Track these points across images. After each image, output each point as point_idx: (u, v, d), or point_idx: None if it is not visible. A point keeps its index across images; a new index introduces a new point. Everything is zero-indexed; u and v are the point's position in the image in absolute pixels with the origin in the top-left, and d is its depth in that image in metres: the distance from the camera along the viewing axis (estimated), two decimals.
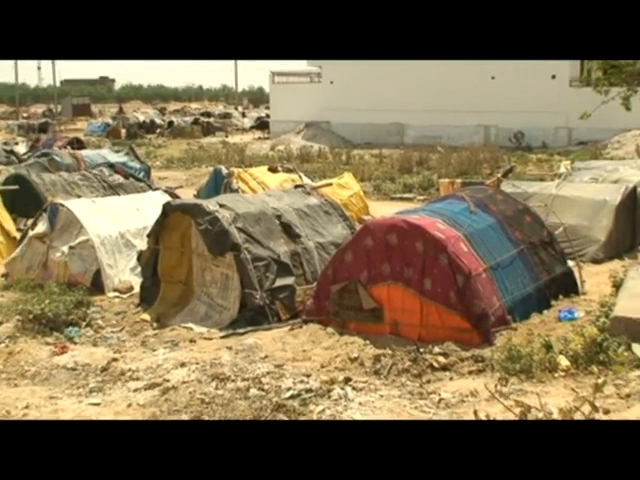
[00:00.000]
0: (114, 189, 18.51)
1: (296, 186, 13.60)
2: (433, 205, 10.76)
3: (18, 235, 14.50)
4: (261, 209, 11.16)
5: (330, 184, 16.17)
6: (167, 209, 11.06)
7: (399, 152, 34.36)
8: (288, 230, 11.10)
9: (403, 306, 9.07)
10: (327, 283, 9.64)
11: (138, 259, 11.82)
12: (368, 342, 8.86)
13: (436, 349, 8.41)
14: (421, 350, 8.43)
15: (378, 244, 9.16)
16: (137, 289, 11.94)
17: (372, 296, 9.23)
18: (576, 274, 10.86)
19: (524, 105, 41.06)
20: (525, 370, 7.57)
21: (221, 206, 10.74)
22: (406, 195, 23.42)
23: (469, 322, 8.66)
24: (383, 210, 19.38)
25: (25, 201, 16.83)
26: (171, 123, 60.03)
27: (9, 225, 15.13)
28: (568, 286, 10.50)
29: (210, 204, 10.70)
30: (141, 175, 22.27)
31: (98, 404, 7.49)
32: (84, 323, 10.47)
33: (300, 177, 18.74)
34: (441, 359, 8.25)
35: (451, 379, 7.87)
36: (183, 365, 8.36)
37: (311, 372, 8.01)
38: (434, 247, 8.88)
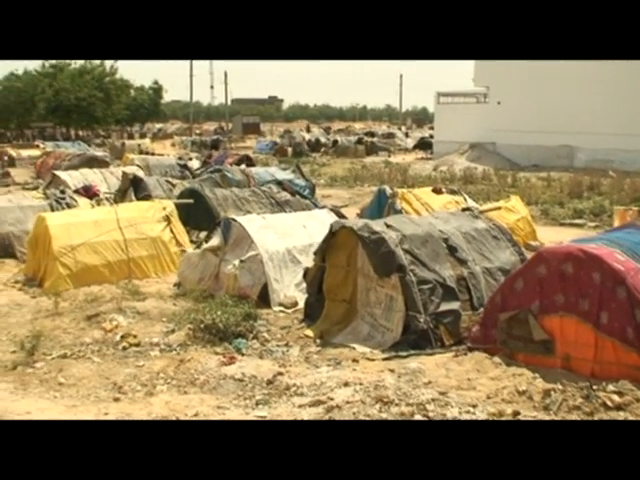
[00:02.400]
0: (281, 206, 19.01)
1: (464, 209, 13.37)
2: (611, 234, 10.21)
3: (191, 247, 15.20)
4: (428, 231, 11.03)
5: (499, 208, 15.79)
6: (335, 228, 11.17)
7: (568, 175, 33.15)
8: (455, 254, 10.89)
9: (576, 339, 8.62)
10: (495, 311, 9.35)
11: (304, 276, 12.01)
12: (537, 375, 8.49)
13: (610, 387, 7.92)
14: (594, 387, 7.98)
15: (552, 273, 8.77)
16: (301, 305, 12.14)
17: (543, 327, 8.85)
18: None
19: None
20: None
21: (388, 227, 10.72)
22: (576, 221, 22.50)
23: None
24: (551, 236, 18.73)
25: (198, 214, 17.61)
26: (335, 142, 61.16)
27: (183, 237, 15.89)
28: None
29: (377, 224, 10.72)
30: (306, 192, 22.74)
31: (264, 417, 7.63)
32: (251, 335, 10.74)
33: (465, 199, 18.46)
34: (615, 398, 7.76)
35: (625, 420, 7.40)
36: (347, 384, 8.35)
37: (477, 402, 7.77)
38: (612, 279, 8.38)
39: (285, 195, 19.75)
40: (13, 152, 47.11)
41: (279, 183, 22.01)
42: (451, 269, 10.63)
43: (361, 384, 8.31)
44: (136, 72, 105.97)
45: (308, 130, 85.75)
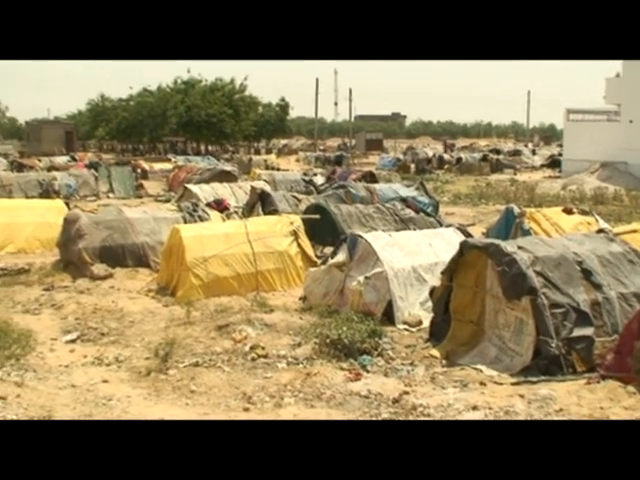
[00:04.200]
0: (405, 223, 18.96)
1: (598, 231, 12.92)
2: None
3: (318, 262, 15.39)
4: (561, 253, 10.71)
5: (634, 230, 15.12)
6: (464, 247, 11.05)
7: None
8: (589, 277, 10.51)
9: None
10: (631, 338, 8.99)
11: (430, 294, 11.93)
12: None
13: None
14: None
15: None
16: (426, 324, 12.05)
17: None
18: None
19: None
20: None
21: (519, 248, 10.50)
22: None
23: None
24: None
25: (322, 229, 17.80)
26: (459, 159, 60.47)
27: (310, 251, 16.13)
28: None
29: (508, 245, 10.52)
30: (429, 210, 22.57)
31: None
32: (376, 352, 10.74)
33: (596, 220, 17.79)
34: None
35: None
36: (475, 408, 8.24)
37: None
38: None
39: (409, 212, 19.69)
40: (146, 165, 49.27)
41: (403, 200, 21.95)
42: (585, 293, 10.27)
43: (490, 408, 8.18)
44: (264, 89, 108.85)
45: (446, 149, 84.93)
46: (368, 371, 10.09)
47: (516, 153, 71.72)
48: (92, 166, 42.02)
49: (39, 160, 50.87)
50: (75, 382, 9.76)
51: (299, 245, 15.92)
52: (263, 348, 11.04)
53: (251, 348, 11.05)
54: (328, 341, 10.72)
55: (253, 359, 10.69)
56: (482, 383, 9.51)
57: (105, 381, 9.87)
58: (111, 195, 36.90)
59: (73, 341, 11.96)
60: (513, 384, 9.40)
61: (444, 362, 10.51)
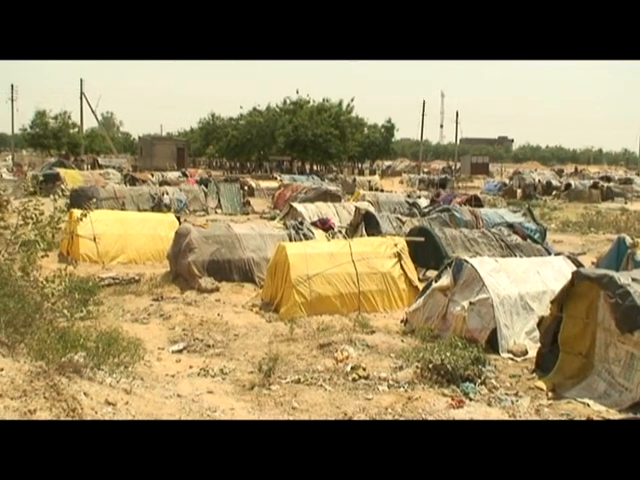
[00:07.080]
0: (511, 249, 18.65)
1: None
2: None
3: (420, 285, 15.29)
4: None
5: None
6: (576, 277, 10.75)
7: None
8: None
9: None
10: None
11: (538, 325, 11.63)
12: None
13: None
14: None
15: None
16: (531, 354, 11.77)
17: None
18: None
19: None
20: None
21: (633, 280, 10.14)
22: None
23: None
24: None
25: (425, 252, 17.72)
26: (568, 186, 58.89)
27: (413, 274, 16.04)
28: None
29: (622, 277, 10.17)
30: (536, 236, 22.08)
31: None
32: (479, 380, 10.55)
33: None
34: None
35: None
36: None
37: None
38: None
39: (516, 238, 19.35)
40: (253, 183, 50.23)
41: (510, 226, 21.55)
42: None
43: None
44: (370, 110, 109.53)
45: (576, 172, 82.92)
46: (471, 399, 9.92)
47: (627, 181, 69.21)
48: (202, 182, 43.08)
49: (151, 174, 52.64)
50: (181, 392, 9.94)
51: (402, 267, 15.85)
52: (364, 369, 11.03)
53: (352, 368, 11.06)
54: (430, 366, 10.61)
55: (354, 380, 10.68)
56: (589, 418, 9.20)
57: (210, 392, 10.04)
58: (219, 211, 37.80)
59: (180, 351, 12.28)
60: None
61: (550, 394, 10.23)
